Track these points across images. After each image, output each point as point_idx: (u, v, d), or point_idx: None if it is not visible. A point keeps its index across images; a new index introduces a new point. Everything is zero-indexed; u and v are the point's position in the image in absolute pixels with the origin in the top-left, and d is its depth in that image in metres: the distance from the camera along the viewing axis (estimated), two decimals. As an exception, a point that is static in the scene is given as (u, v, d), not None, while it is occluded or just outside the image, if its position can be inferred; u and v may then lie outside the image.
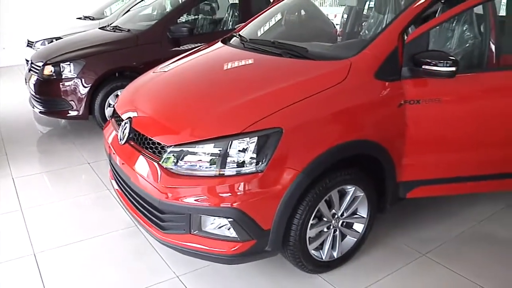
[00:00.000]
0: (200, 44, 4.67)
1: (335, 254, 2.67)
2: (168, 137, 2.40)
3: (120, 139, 2.67)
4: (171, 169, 2.30)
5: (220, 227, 2.31)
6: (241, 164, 2.20)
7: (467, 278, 2.67)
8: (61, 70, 4.88)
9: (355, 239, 2.74)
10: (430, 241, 3.02)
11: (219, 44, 3.47)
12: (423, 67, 2.49)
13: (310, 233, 2.47)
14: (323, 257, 2.61)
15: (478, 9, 3.06)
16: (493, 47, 3.02)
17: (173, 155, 2.30)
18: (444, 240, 3.03)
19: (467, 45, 3.15)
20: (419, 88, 2.60)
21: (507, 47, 3.19)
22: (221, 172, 2.21)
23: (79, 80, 4.87)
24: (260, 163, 2.20)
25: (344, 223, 2.67)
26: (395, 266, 2.77)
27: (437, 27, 2.85)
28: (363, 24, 4.16)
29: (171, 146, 2.31)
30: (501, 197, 3.55)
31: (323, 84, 2.42)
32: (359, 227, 2.73)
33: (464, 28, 3.21)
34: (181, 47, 5.32)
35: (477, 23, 3.12)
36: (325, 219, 2.54)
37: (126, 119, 2.71)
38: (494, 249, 2.96)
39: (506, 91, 2.80)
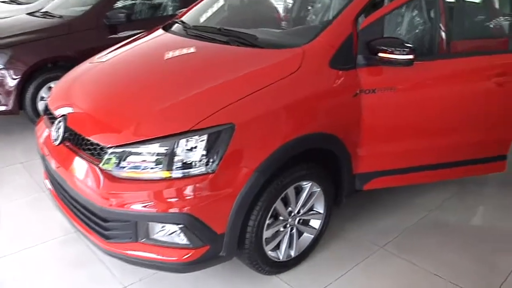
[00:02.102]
0: (139, 31, 4.39)
1: (292, 253, 2.54)
2: (109, 137, 2.16)
3: (54, 140, 2.39)
4: (113, 172, 2.07)
5: (170, 234, 2.12)
6: (190, 165, 2.01)
7: (425, 268, 2.65)
8: (-16, 60, 4.43)
9: (312, 236, 2.63)
10: (386, 233, 2.98)
11: (160, 31, 3.22)
12: (379, 55, 2.38)
13: (267, 233, 2.33)
14: (281, 257, 2.48)
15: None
16: (443, 33, 2.97)
17: (114, 157, 2.07)
18: (399, 231, 3.00)
19: (417, 31, 3.08)
20: (375, 76, 2.50)
21: (456, 33, 3.15)
22: (168, 175, 2.01)
23: (6, 71, 4.43)
24: (211, 162, 2.01)
25: (301, 220, 2.55)
26: (354, 261, 2.69)
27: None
28: (308, 8, 4.03)
29: (112, 147, 2.08)
30: (449, 184, 3.56)
31: (276, 75, 2.26)
32: (316, 223, 2.62)
33: (414, 14, 3.14)
34: (118, 34, 4.97)
35: (427, 8, 3.06)
36: (281, 217, 2.40)
37: (60, 116, 2.43)
38: (447, 237, 2.96)
39: (459, 78, 2.78)
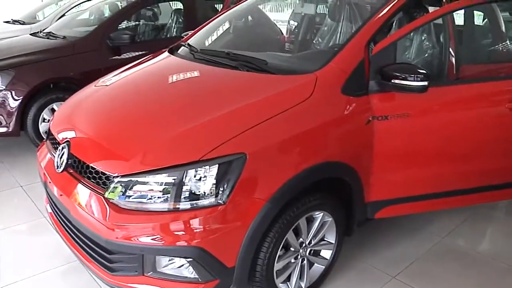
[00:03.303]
0: (142, 52, 4.35)
1: (303, 284, 2.45)
2: (115, 165, 2.08)
3: (57, 167, 2.31)
4: (119, 202, 1.99)
5: (178, 267, 2.03)
6: (198, 196, 1.94)
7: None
8: (-14, 80, 4.37)
9: (324, 267, 2.54)
10: (398, 261, 2.89)
11: (166, 54, 3.17)
12: (392, 81, 2.32)
13: (278, 265, 2.24)
14: (291, 290, 2.39)
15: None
16: (452, 58, 2.93)
17: (120, 186, 2.00)
18: (411, 260, 2.91)
19: (426, 55, 3.05)
20: (387, 103, 2.44)
21: (466, 57, 3.11)
22: (176, 206, 1.93)
23: (8, 92, 4.36)
24: (221, 193, 1.94)
25: (312, 251, 2.46)
26: (366, 292, 2.60)
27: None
28: (314, 31, 4.00)
29: (118, 176, 2.01)
30: (458, 210, 3.48)
31: (288, 102, 2.19)
32: (327, 253, 2.54)
33: (423, 38, 3.10)
34: (122, 55, 4.95)
35: (435, 32, 3.02)
36: (292, 249, 2.32)
37: (63, 142, 2.36)
38: (461, 265, 2.88)
39: (472, 104, 2.72)
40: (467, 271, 2.82)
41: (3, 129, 4.44)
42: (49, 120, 4.11)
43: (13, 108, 4.40)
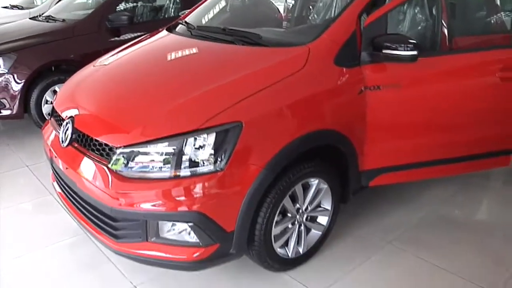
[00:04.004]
0: (141, 34, 4.39)
1: (301, 249, 2.55)
2: (117, 137, 2.17)
3: (62, 141, 2.40)
4: (122, 172, 2.09)
5: (179, 233, 2.13)
6: (198, 164, 2.03)
7: (432, 263, 2.65)
8: (-11, 64, 4.46)
9: (320, 233, 2.64)
10: (393, 228, 2.99)
11: (165, 32, 3.24)
12: (383, 51, 2.40)
13: (275, 230, 2.34)
14: (289, 254, 2.49)
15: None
16: (445, 30, 2.99)
17: (123, 157, 2.09)
18: (406, 226, 3.01)
19: (419, 27, 3.11)
20: (379, 73, 2.51)
21: (458, 29, 3.16)
22: (176, 174, 2.03)
23: (11, 75, 4.46)
24: (219, 161, 2.03)
25: (309, 217, 2.56)
26: (362, 257, 2.70)
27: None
28: (310, 7, 4.05)
29: (120, 147, 2.10)
30: (453, 179, 3.57)
31: (282, 73, 2.27)
32: (323, 220, 2.63)
33: (416, 11, 3.16)
34: (121, 37, 5.02)
35: (428, 5, 3.08)
36: (289, 214, 2.42)
37: (67, 118, 2.45)
38: (454, 231, 2.97)
39: (463, 74, 2.79)
40: (458, 237, 2.91)
41: (7, 112, 4.54)
42: (51, 102, 4.19)
43: (16, 91, 4.50)
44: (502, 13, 3.45)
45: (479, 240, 2.88)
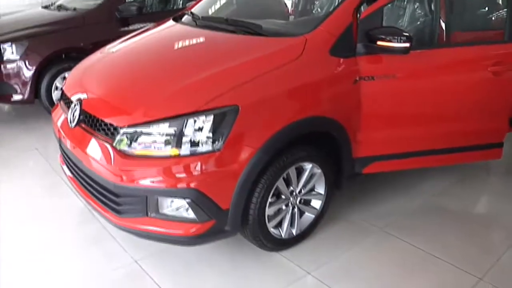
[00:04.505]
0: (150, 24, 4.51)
1: (294, 231, 2.67)
2: (121, 118, 2.31)
3: (70, 122, 2.54)
4: (125, 151, 2.22)
5: (178, 209, 2.27)
6: (197, 144, 2.15)
7: (424, 250, 2.75)
8: (2, 51, 4.59)
9: (314, 216, 2.76)
10: (387, 215, 3.09)
11: (171, 22, 3.37)
12: (377, 43, 2.50)
13: (269, 211, 2.46)
14: (283, 235, 2.61)
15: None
16: (443, 24, 3.10)
17: (126, 137, 2.22)
18: (400, 214, 3.11)
19: (418, 22, 3.21)
20: (374, 64, 2.62)
21: (455, 25, 3.26)
22: (177, 153, 2.16)
23: (23, 62, 4.62)
24: (217, 142, 2.16)
25: (302, 200, 2.68)
26: (354, 241, 2.81)
27: (390, 4, 2.87)
28: (315, 2, 4.16)
29: (124, 127, 2.23)
30: (452, 171, 3.67)
31: (279, 61, 2.39)
32: (317, 203, 2.75)
33: (416, 6, 3.26)
34: (130, 27, 5.13)
35: (427, 1, 3.18)
36: (283, 196, 2.54)
37: (76, 100, 2.59)
38: (447, 221, 3.06)
39: (456, 67, 2.88)
40: (452, 226, 3.00)
41: (19, 97, 4.70)
42: (61, 88, 4.34)
43: (28, 77, 4.65)
44: (497, 10, 3.53)
45: (472, 230, 2.97)
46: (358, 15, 2.61)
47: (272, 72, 2.32)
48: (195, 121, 2.14)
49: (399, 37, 2.47)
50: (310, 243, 2.77)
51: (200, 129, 2.15)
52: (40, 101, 4.84)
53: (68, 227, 2.96)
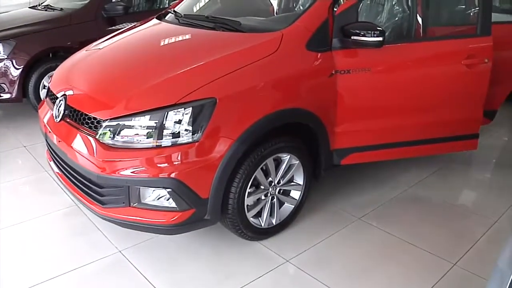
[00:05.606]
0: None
1: (273, 221, 2.76)
2: (104, 112, 2.38)
3: (56, 117, 2.62)
4: (108, 143, 2.30)
5: (159, 198, 2.35)
6: (177, 135, 2.24)
7: (400, 237, 2.85)
8: (-11, 50, 4.67)
9: (293, 206, 2.85)
10: (365, 205, 3.19)
11: (154, 20, 3.45)
12: (352, 37, 2.60)
13: (248, 200, 2.55)
14: (262, 224, 2.70)
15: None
16: (419, 20, 3.20)
17: (109, 130, 2.30)
18: (378, 204, 3.21)
19: (396, 18, 3.32)
20: (350, 58, 2.72)
21: (430, 21, 3.37)
22: (157, 143, 2.24)
23: (10, 61, 4.67)
24: (196, 133, 2.24)
25: (281, 191, 2.77)
26: (332, 230, 2.90)
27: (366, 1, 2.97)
28: (299, 1, 4.25)
29: (106, 120, 2.31)
30: (431, 162, 3.79)
31: (256, 55, 2.48)
32: (296, 194, 2.84)
33: (394, 3, 3.37)
34: (116, 26, 5.21)
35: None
36: (262, 187, 2.62)
37: (61, 96, 2.66)
38: (424, 210, 3.17)
39: (430, 60, 2.99)
40: (428, 216, 3.11)
41: (7, 95, 4.76)
42: (47, 85, 4.40)
43: (15, 76, 4.71)
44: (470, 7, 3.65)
45: (447, 218, 3.08)
46: (334, 11, 2.70)
47: (249, 66, 2.41)
48: (175, 113, 2.22)
49: (372, 32, 2.56)
50: (290, 232, 2.86)
51: (180, 121, 2.23)
52: (28, 99, 4.90)
53: (55, 219, 3.03)
